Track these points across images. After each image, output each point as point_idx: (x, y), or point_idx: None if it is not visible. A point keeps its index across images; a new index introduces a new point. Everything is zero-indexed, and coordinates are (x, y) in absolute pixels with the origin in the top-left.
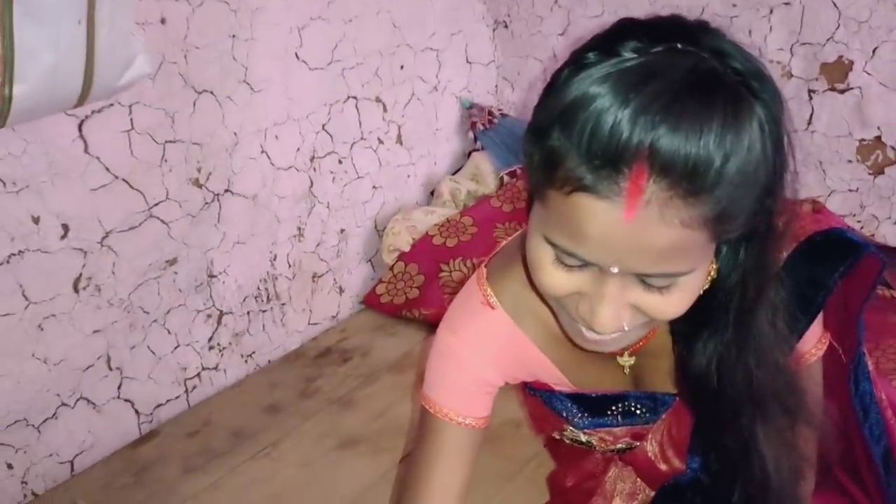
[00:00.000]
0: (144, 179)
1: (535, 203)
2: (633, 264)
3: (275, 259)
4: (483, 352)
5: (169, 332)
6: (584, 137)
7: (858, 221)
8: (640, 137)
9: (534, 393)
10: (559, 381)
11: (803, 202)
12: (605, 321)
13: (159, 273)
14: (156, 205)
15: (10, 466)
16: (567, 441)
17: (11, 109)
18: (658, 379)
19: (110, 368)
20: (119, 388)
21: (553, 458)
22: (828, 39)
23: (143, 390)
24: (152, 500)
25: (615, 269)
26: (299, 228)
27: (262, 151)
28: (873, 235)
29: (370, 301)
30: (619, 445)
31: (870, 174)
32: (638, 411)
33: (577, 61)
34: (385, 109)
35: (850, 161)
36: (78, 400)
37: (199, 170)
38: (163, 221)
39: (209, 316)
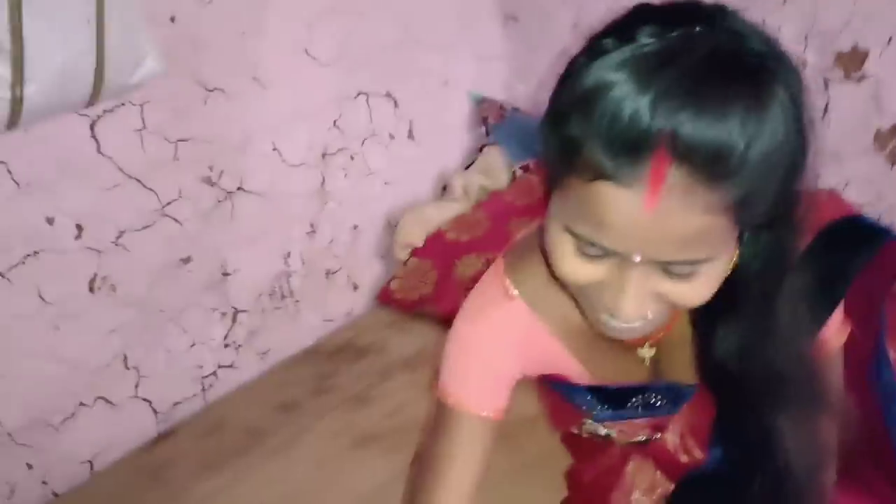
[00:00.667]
0: (157, 178)
1: (554, 193)
2: (656, 252)
3: (288, 256)
4: (502, 343)
5: (184, 331)
6: (603, 125)
7: (877, 211)
8: (661, 124)
9: (553, 387)
10: (579, 373)
11: (820, 193)
12: (628, 310)
13: (173, 272)
14: (168, 204)
15: (30, 467)
16: (586, 435)
17: (24, 110)
18: (678, 370)
19: (127, 367)
20: (136, 387)
21: (570, 453)
22: (842, 29)
23: (160, 389)
24: (168, 500)
25: (637, 258)
26: (312, 225)
27: (274, 149)
28: (893, 224)
29: (384, 297)
30: (639, 437)
31: (887, 163)
32: (658, 403)
33: (593, 48)
34: (396, 105)
35: (866, 151)
36: (96, 399)
37: (210, 168)
38: (176, 220)
39: (224, 314)
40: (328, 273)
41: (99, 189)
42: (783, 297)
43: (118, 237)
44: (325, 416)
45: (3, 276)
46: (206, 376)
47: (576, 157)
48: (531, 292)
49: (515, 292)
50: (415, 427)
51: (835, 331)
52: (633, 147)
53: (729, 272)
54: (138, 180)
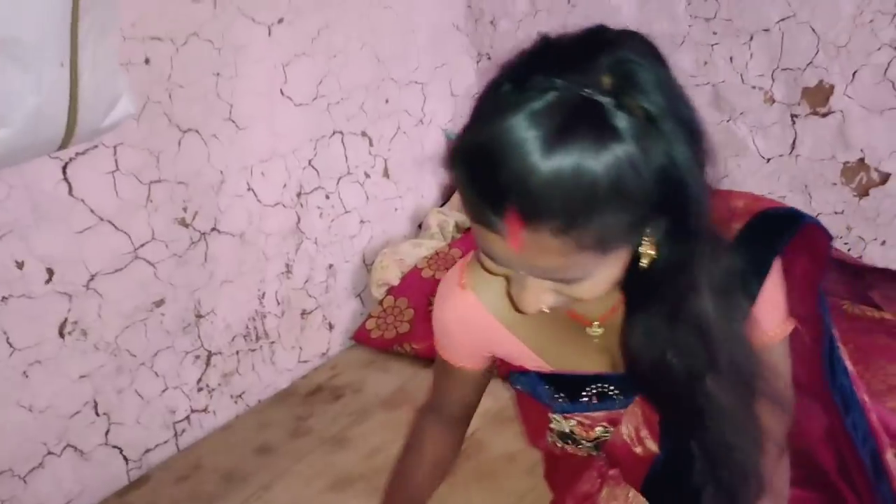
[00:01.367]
0: (130, 220)
1: None
2: (536, 274)
3: (263, 297)
4: (461, 327)
5: (157, 375)
6: (470, 179)
7: (846, 244)
8: (511, 185)
9: (517, 383)
10: (533, 361)
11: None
12: (525, 304)
13: (146, 315)
14: (141, 246)
15: None
16: (558, 444)
17: None
18: None
19: (97, 414)
20: (107, 434)
21: (549, 486)
22: (808, 64)
23: (132, 435)
24: None
25: (522, 273)
26: (287, 265)
27: (249, 189)
28: (861, 257)
29: (360, 337)
30: (597, 430)
31: (854, 196)
32: (612, 393)
33: (491, 88)
34: (371, 143)
35: (834, 184)
36: (65, 448)
37: (185, 209)
38: (149, 262)
39: (197, 357)
40: (304, 313)
41: (70, 232)
42: (702, 285)
43: (90, 280)
44: (302, 459)
45: None
46: (179, 421)
47: (462, 196)
48: (481, 283)
49: (466, 283)
50: None
51: (772, 319)
52: (490, 204)
53: (645, 263)
54: (111, 222)
